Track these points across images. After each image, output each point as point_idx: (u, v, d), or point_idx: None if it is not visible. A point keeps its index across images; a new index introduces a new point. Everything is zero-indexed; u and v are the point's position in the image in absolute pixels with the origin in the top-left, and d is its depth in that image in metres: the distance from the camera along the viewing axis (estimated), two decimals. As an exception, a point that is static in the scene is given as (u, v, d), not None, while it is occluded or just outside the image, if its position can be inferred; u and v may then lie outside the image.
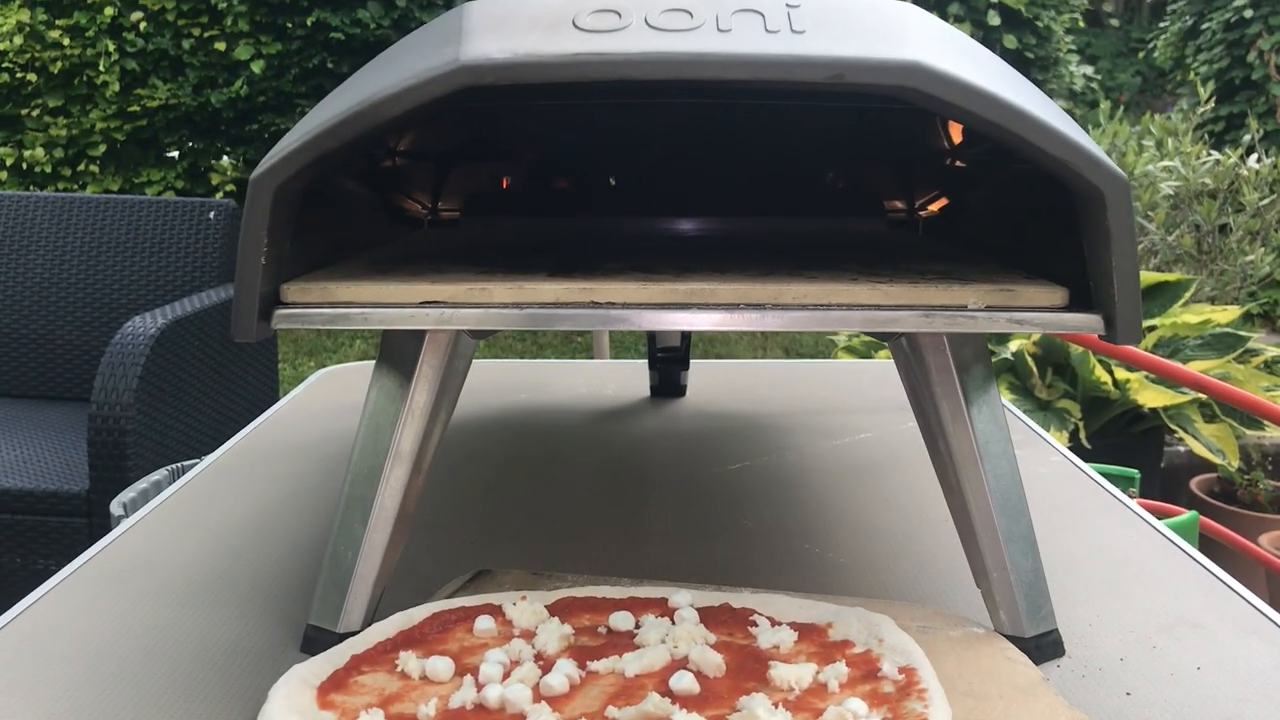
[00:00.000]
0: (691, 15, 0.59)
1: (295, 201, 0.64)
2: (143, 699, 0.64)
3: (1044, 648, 0.68)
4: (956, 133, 0.94)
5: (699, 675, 0.60)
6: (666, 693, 0.58)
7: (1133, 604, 0.76)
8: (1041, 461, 1.08)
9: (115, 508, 0.94)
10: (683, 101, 0.98)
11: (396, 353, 0.69)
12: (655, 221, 1.05)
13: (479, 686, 0.60)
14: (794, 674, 0.60)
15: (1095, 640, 0.71)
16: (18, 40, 4.64)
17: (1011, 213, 0.82)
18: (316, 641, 0.68)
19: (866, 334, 0.70)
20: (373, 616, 0.69)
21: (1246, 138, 3.53)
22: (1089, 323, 0.63)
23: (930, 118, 0.94)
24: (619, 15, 0.59)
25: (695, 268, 0.72)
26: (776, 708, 0.56)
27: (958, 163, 0.95)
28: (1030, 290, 0.65)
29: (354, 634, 0.66)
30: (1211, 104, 3.22)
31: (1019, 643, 0.67)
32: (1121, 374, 2.47)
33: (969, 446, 0.68)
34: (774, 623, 0.66)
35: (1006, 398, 2.46)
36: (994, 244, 0.84)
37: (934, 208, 1.03)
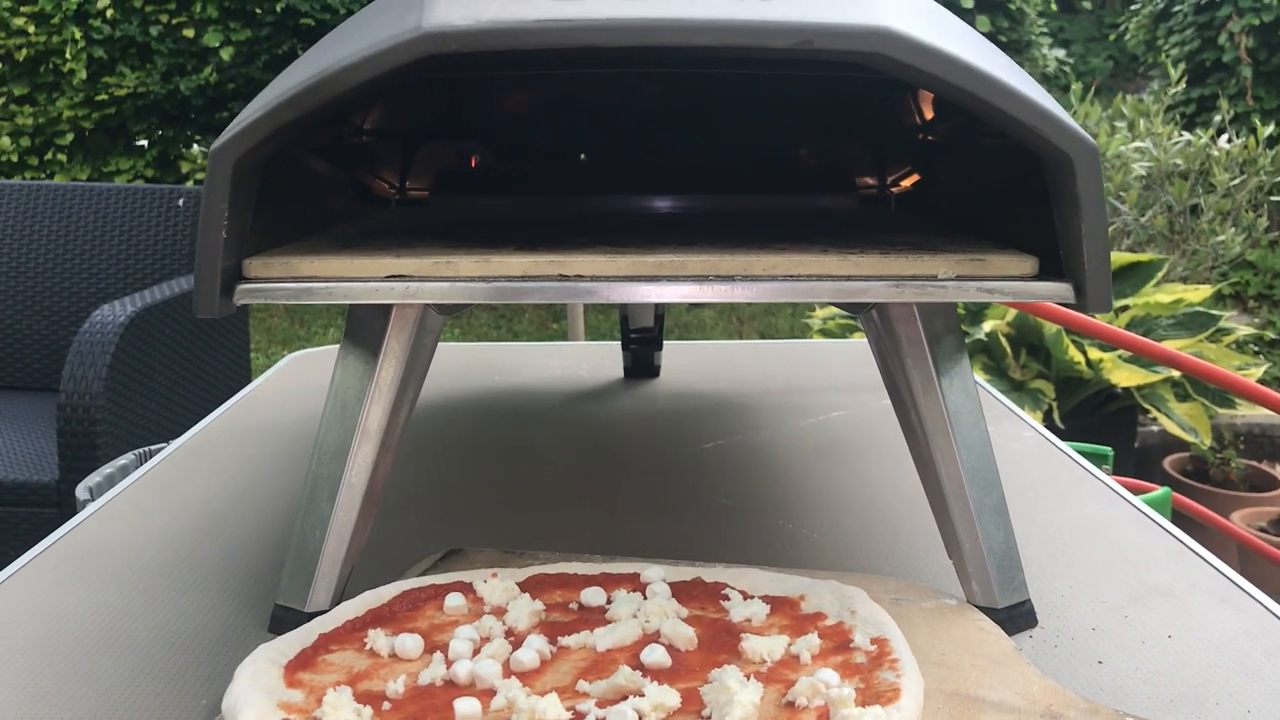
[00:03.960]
0: (657, -19, 0.58)
1: (257, 175, 0.63)
2: (106, 683, 0.63)
3: (1016, 618, 0.68)
4: (928, 106, 0.94)
5: (671, 649, 0.60)
6: (638, 666, 0.58)
7: (1105, 575, 0.76)
8: (1015, 437, 1.08)
9: (81, 492, 0.93)
10: (652, 73, 0.97)
11: (363, 329, 0.68)
12: (626, 199, 1.04)
13: (449, 663, 0.59)
14: (766, 646, 0.59)
15: (1068, 611, 0.71)
16: (-19, 28, 4.58)
17: (983, 185, 0.82)
18: (284, 621, 0.67)
19: (837, 306, 0.70)
20: (341, 595, 0.68)
21: (1218, 118, 3.55)
22: (1059, 291, 0.63)
23: (902, 91, 0.94)
24: (584, -18, 0.58)
25: (664, 241, 0.71)
26: (748, 679, 0.55)
27: (929, 137, 0.95)
28: (1000, 259, 0.65)
29: (322, 613, 0.65)
30: (1183, 85, 3.23)
31: (991, 614, 0.67)
32: (1095, 354, 2.49)
33: (940, 418, 0.68)
34: (746, 596, 0.66)
35: (980, 378, 2.47)
36: (967, 218, 0.83)
37: (906, 183, 1.02)
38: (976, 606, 0.68)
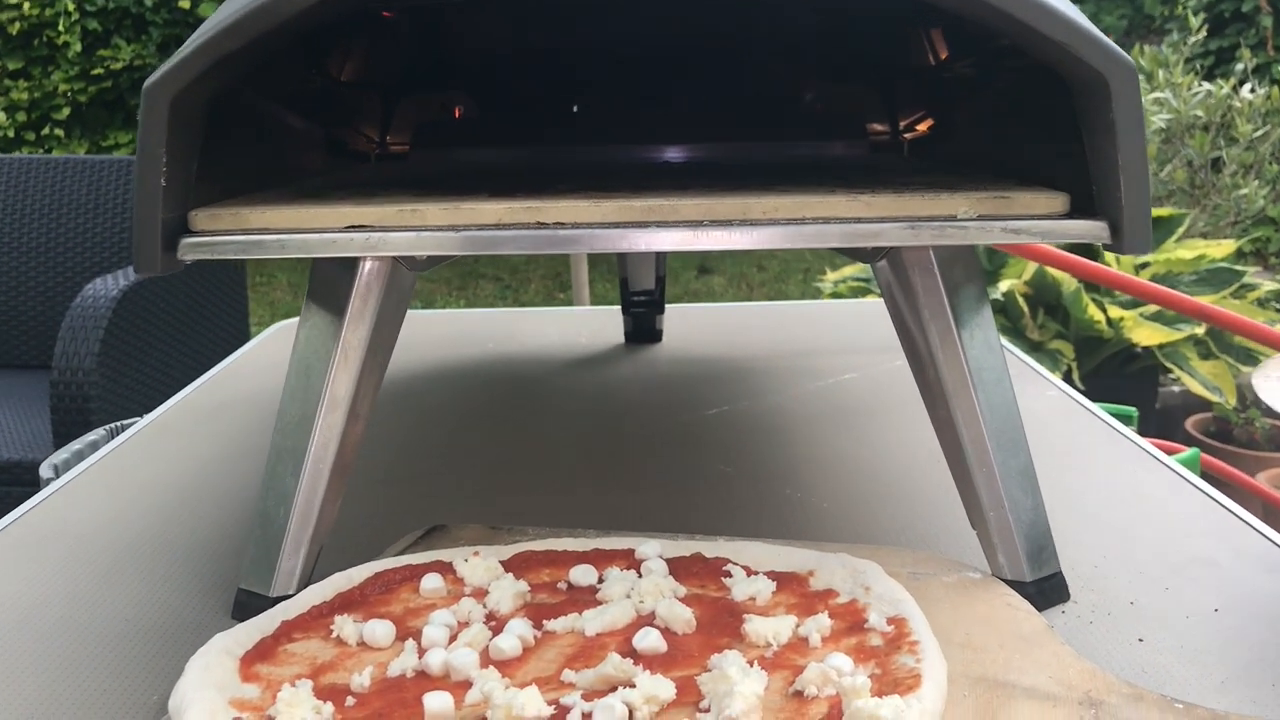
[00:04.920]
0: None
1: (199, 115, 0.57)
2: (51, 675, 0.57)
3: (1047, 592, 0.62)
4: (942, 44, 0.87)
5: (666, 632, 0.54)
6: (630, 653, 0.52)
7: (1142, 543, 0.70)
8: (1038, 396, 1.02)
9: (45, 470, 0.87)
10: (647, 12, 0.90)
11: (326, 287, 0.62)
12: (622, 149, 0.97)
13: (421, 651, 0.53)
14: (771, 628, 0.54)
15: (1103, 583, 0.65)
16: (-25, 2, 4.51)
17: (1005, 124, 0.75)
18: (247, 608, 0.62)
19: (845, 254, 0.64)
20: (309, 579, 0.62)
21: (1239, 67, 3.45)
22: (1092, 230, 0.57)
23: (914, 27, 0.87)
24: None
25: (656, 187, 0.65)
26: (751, 666, 0.49)
27: (944, 75, 0.88)
28: (1026, 197, 0.58)
29: (287, 598, 0.60)
30: (1202, 34, 3.13)
31: (1019, 588, 0.61)
32: (1116, 312, 2.41)
33: (961, 375, 0.62)
34: (750, 572, 0.60)
35: (997, 340, 2.38)
36: (986, 160, 0.77)
37: (920, 128, 0.95)
38: (1003, 580, 0.62)
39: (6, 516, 0.76)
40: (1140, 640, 0.59)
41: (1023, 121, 0.71)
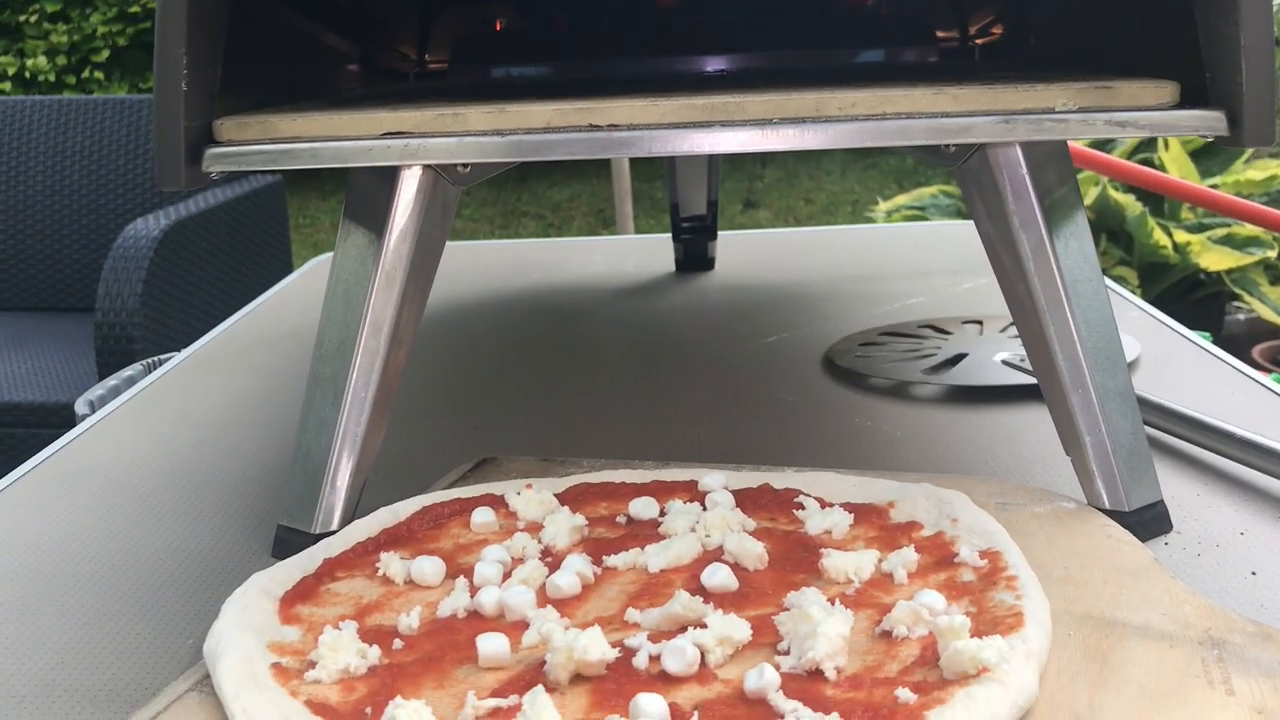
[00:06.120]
0: None
1: (223, 14, 0.53)
2: (80, 618, 0.54)
3: (1148, 523, 0.57)
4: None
5: (736, 568, 0.50)
6: (698, 590, 0.48)
7: (1247, 469, 0.65)
8: (1119, 316, 0.95)
9: (81, 406, 0.84)
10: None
11: (363, 202, 0.58)
12: (673, 60, 0.92)
13: (473, 590, 0.50)
14: (852, 563, 0.49)
15: (1208, 513, 0.60)
16: (11, -56, 4.47)
17: (1093, 15, 0.69)
18: (288, 545, 0.58)
19: (924, 158, 0.58)
20: (353, 514, 0.58)
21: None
22: (1208, 121, 0.51)
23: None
24: None
25: (716, 88, 0.60)
26: (833, 604, 0.45)
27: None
28: (1132, 87, 0.53)
29: (330, 534, 0.56)
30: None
31: (1119, 518, 0.56)
32: (1182, 236, 2.32)
33: (1055, 288, 0.56)
34: (824, 504, 0.56)
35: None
36: (1072, 61, 0.71)
37: (995, 30, 0.89)
38: (1100, 510, 0.57)
39: (38, 455, 0.73)
40: (1254, 574, 0.54)
41: (1115, 12, 0.65)
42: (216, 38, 0.53)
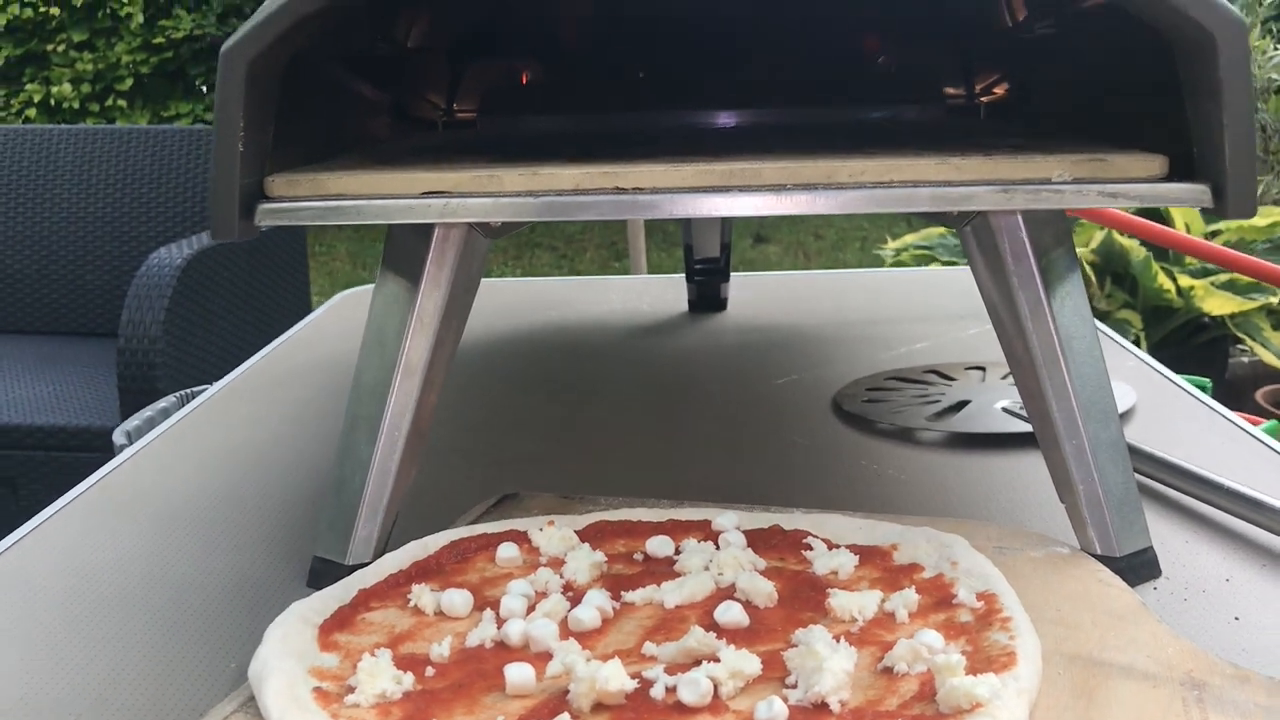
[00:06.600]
0: None
1: (275, 80, 0.57)
2: (130, 643, 0.58)
3: (1138, 568, 0.61)
4: (1020, 6, 0.84)
5: (748, 606, 0.53)
6: (711, 626, 0.51)
7: (1234, 518, 0.68)
8: (1117, 368, 0.99)
9: (118, 436, 0.88)
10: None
11: (401, 253, 0.62)
12: (691, 114, 0.95)
13: (499, 622, 0.53)
14: (856, 603, 0.52)
15: (1195, 560, 0.63)
16: (40, -26, 4.56)
17: (1091, 84, 0.73)
18: (323, 575, 0.61)
19: (930, 219, 0.62)
20: (385, 547, 0.62)
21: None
22: (1193, 193, 0.55)
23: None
24: None
25: (734, 150, 0.63)
26: (838, 641, 0.48)
27: (1023, 37, 0.86)
28: (1124, 160, 0.56)
29: (363, 566, 0.59)
30: (1279, -6, 3.04)
31: (1110, 563, 0.60)
32: (1185, 281, 2.35)
33: (1051, 343, 0.60)
34: (831, 545, 0.59)
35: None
36: (1067, 123, 0.74)
37: (998, 90, 0.93)
38: (1093, 555, 0.60)
39: (83, 483, 0.77)
40: (1237, 618, 0.57)
41: (1111, 83, 0.69)
42: (271, 100, 0.57)
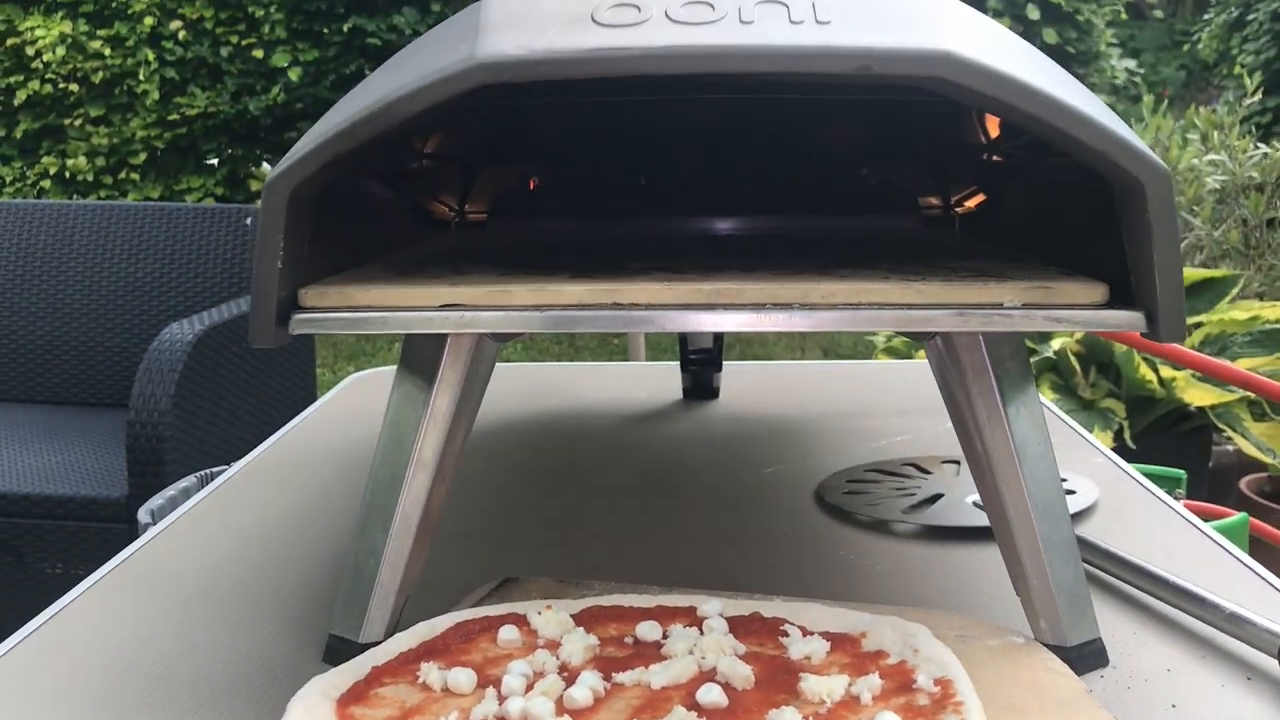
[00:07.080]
0: (713, 8, 0.57)
1: (312, 204, 0.63)
2: (158, 714, 0.63)
3: (1087, 657, 0.66)
4: (993, 126, 0.92)
5: (727, 687, 0.59)
6: (693, 706, 0.57)
7: (1180, 612, 0.73)
8: (1083, 463, 1.05)
9: (143, 515, 0.94)
10: (709, 97, 0.96)
11: (417, 357, 0.68)
12: (685, 221, 1.03)
13: (501, 699, 0.58)
14: (825, 686, 0.58)
15: (1140, 650, 0.69)
16: (60, 51, 4.70)
17: (1050, 208, 0.80)
18: (338, 652, 0.67)
19: (900, 334, 0.68)
20: (395, 626, 0.67)
21: (1295, 128, 3.46)
22: (1130, 320, 0.61)
23: (965, 110, 0.92)
24: (638, 9, 0.58)
25: (722, 267, 0.70)
26: (807, 722, 0.54)
27: (995, 157, 0.93)
28: (1068, 287, 0.63)
29: (376, 644, 0.65)
30: (1259, 95, 3.15)
31: (1061, 652, 0.65)
32: (1167, 372, 2.42)
33: (1006, 449, 0.66)
34: (806, 632, 0.64)
35: (1049, 397, 2.42)
36: (1034, 241, 0.81)
37: (971, 204, 1.00)
38: (1045, 645, 0.66)
39: (112, 560, 0.83)
40: (1173, 706, 0.62)
41: (1065, 210, 0.75)
42: (307, 222, 0.63)
